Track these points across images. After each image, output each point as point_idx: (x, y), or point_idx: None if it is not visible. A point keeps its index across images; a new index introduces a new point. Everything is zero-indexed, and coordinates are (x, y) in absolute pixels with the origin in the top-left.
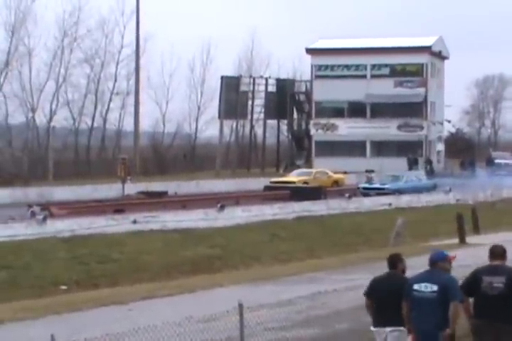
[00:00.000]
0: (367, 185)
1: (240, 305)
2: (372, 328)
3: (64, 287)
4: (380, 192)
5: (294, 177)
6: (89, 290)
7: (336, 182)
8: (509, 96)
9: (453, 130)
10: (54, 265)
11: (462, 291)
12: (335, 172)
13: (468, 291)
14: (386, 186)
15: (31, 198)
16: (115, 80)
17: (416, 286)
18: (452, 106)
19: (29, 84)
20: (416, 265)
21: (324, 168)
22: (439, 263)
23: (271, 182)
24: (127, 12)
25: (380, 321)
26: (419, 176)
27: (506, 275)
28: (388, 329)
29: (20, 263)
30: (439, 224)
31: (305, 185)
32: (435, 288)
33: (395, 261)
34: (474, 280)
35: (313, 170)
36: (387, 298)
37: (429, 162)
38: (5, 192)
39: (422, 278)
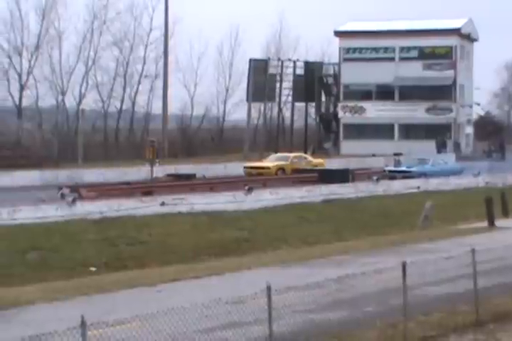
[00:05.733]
0: (393, 168)
1: (268, 288)
2: None
3: (93, 268)
4: (407, 175)
5: (270, 162)
6: (118, 272)
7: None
8: None
9: (482, 113)
10: (83, 247)
11: None
12: (313, 157)
13: None
14: (412, 169)
15: (61, 180)
16: (144, 63)
17: None
18: (481, 88)
19: (59, 67)
20: (444, 248)
21: (301, 153)
22: None
23: (245, 168)
24: None
25: None
26: (445, 159)
27: None
28: None
29: (51, 244)
30: (468, 207)
31: (333, 168)
32: None
33: None
34: None
35: (291, 155)
36: None
37: (456, 145)
38: (35, 175)
39: None
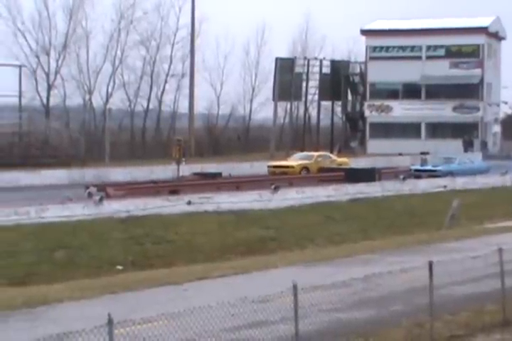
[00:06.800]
0: (419, 167)
1: (295, 287)
2: None
3: (120, 267)
4: (433, 174)
5: (294, 161)
6: (144, 271)
7: None
8: None
9: (510, 111)
10: (110, 245)
11: None
12: (338, 156)
13: None
14: (438, 168)
15: (88, 179)
16: (170, 62)
17: None
18: (509, 87)
19: (86, 67)
20: (471, 247)
21: (326, 152)
22: None
23: (269, 167)
24: None
25: None
26: (472, 158)
27: None
28: None
29: (78, 243)
30: (495, 206)
31: (360, 167)
32: None
33: None
34: None
35: (315, 154)
36: None
37: (483, 144)
38: (63, 174)
39: None
